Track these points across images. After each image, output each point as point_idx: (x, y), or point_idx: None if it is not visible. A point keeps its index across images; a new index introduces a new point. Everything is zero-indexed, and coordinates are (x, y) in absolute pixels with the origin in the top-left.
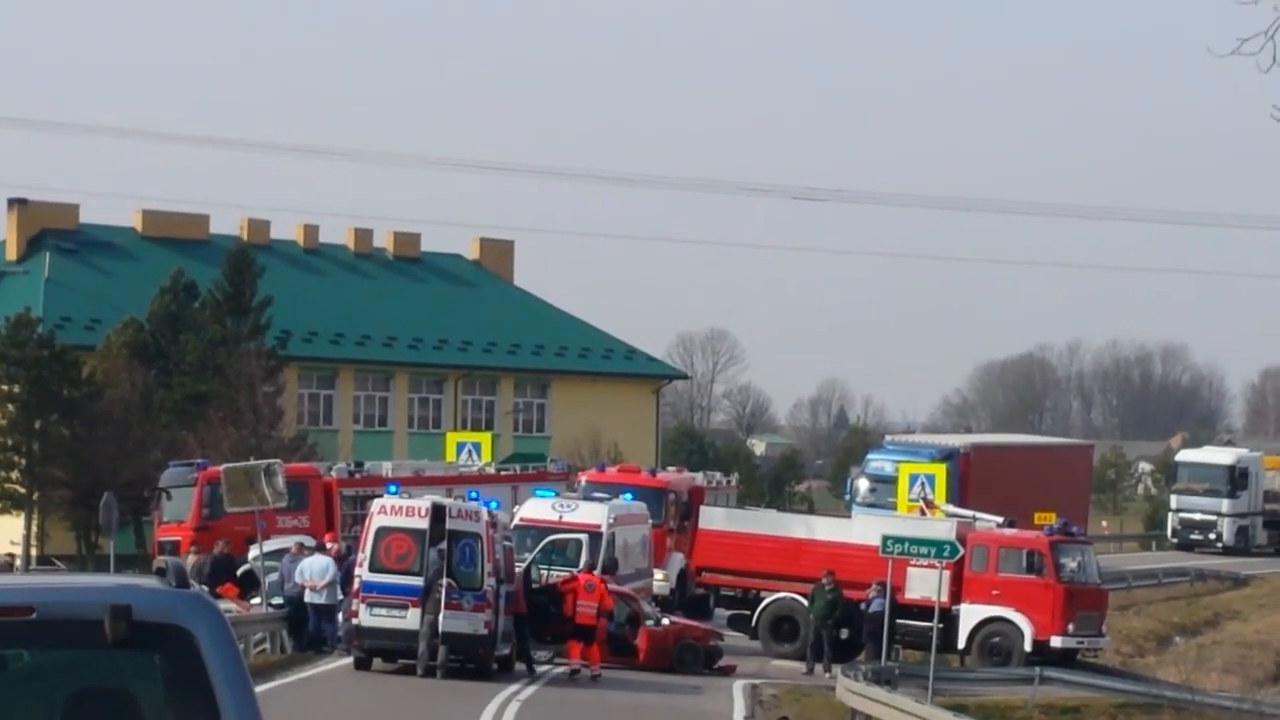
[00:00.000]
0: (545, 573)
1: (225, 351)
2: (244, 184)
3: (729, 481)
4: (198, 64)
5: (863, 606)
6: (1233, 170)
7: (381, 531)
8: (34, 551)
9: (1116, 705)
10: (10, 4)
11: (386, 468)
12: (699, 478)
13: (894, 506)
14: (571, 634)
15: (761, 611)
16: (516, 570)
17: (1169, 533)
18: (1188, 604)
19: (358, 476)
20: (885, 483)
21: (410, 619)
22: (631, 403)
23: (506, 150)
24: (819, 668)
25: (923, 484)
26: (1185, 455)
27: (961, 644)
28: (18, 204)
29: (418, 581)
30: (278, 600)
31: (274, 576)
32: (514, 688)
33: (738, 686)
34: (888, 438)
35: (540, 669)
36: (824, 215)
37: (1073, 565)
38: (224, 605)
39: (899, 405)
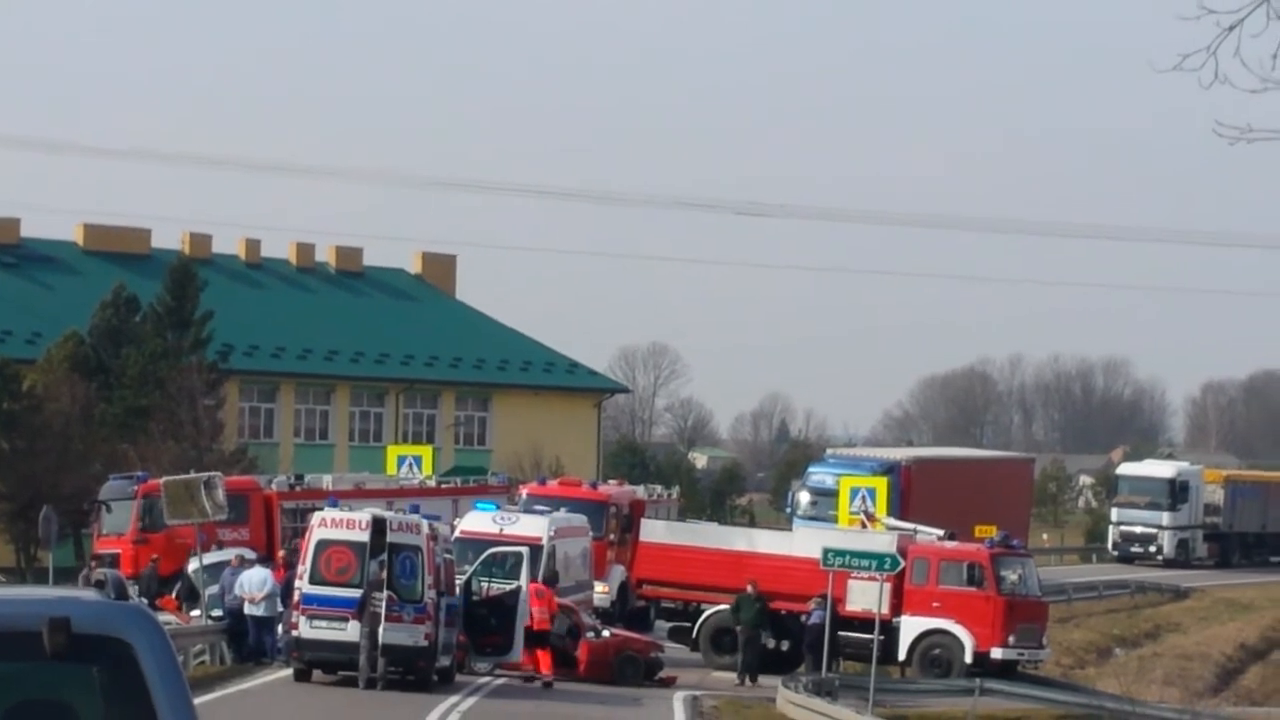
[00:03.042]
0: (486, 585)
1: (166, 365)
2: (186, 198)
3: (670, 494)
4: (139, 79)
5: (803, 619)
6: (1175, 186)
7: (322, 544)
8: None
9: (1057, 717)
10: None
11: (327, 480)
12: (640, 491)
13: (835, 519)
14: (530, 642)
15: (702, 624)
16: (457, 582)
17: (1110, 545)
18: (1128, 616)
19: (298, 489)
20: (826, 496)
21: (350, 631)
22: (573, 416)
23: (449, 165)
24: (746, 678)
25: (864, 497)
26: (1126, 469)
27: (902, 656)
28: None
29: (358, 594)
30: (217, 612)
31: (214, 589)
32: (454, 699)
33: (678, 698)
34: (829, 451)
35: (481, 680)
36: (766, 230)
37: (1013, 578)
38: (163, 617)
39: (840, 418)
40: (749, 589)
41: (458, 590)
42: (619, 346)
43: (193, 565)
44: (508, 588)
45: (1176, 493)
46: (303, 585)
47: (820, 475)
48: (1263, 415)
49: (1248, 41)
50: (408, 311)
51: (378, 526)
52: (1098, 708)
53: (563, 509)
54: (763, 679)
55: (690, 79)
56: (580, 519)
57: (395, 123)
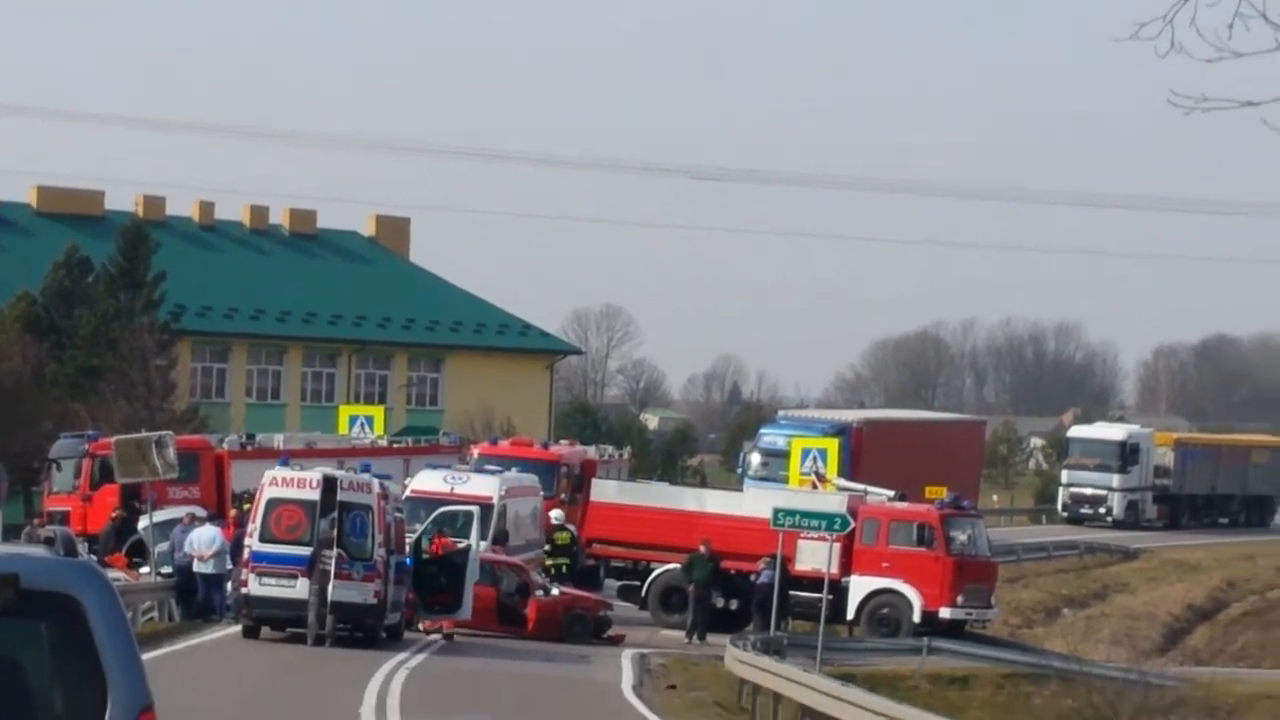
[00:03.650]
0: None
1: (119, 326)
2: (140, 161)
3: (621, 455)
4: (93, 41)
5: (752, 578)
6: (1128, 153)
7: (272, 503)
8: None
9: (1004, 675)
10: None
11: (278, 440)
12: (591, 451)
13: (786, 480)
14: None
15: (651, 583)
16: (407, 541)
17: (1059, 507)
18: (1077, 577)
19: (249, 449)
20: (777, 457)
21: (300, 588)
22: (525, 377)
23: (403, 128)
24: (695, 636)
25: (814, 458)
26: (1077, 431)
27: (851, 615)
28: None
29: (307, 552)
30: (166, 569)
31: (163, 546)
32: (402, 656)
33: (626, 656)
34: (780, 412)
35: (430, 638)
36: (721, 194)
37: (963, 538)
38: (112, 574)
39: (792, 380)
40: (701, 548)
41: (408, 549)
42: (572, 309)
43: (143, 523)
44: (458, 546)
45: (1127, 455)
46: (252, 543)
47: (771, 436)
48: (1214, 378)
49: (1204, 10)
50: (361, 273)
51: (328, 485)
52: (1045, 667)
53: (514, 469)
54: (711, 638)
55: (648, 41)
56: (531, 479)
57: (349, 86)
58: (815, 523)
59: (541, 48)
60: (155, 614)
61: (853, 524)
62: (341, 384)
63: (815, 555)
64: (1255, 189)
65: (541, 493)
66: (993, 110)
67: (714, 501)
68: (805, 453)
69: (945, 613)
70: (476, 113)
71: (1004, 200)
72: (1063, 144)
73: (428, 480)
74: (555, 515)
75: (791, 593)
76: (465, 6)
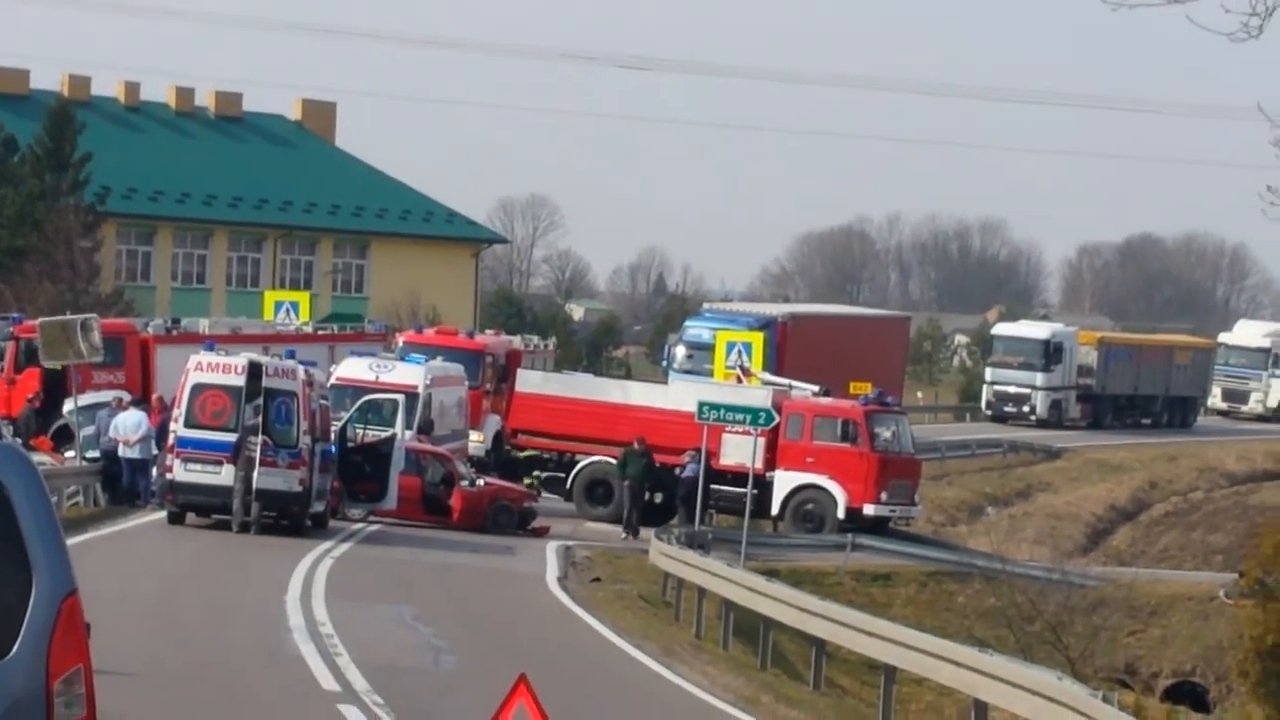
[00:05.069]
0: (361, 432)
1: (44, 206)
2: (66, 40)
3: (547, 345)
4: None
5: (677, 471)
6: (1055, 49)
7: (197, 388)
8: None
9: (927, 573)
10: None
11: (204, 325)
12: (517, 341)
13: (711, 373)
14: None
15: (576, 475)
16: (332, 429)
17: (983, 405)
18: (1000, 475)
19: (175, 333)
20: (702, 350)
21: (225, 475)
22: (451, 266)
23: (331, 12)
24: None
25: (740, 352)
26: (1001, 329)
27: (775, 510)
28: None
29: (233, 438)
30: (92, 454)
31: (89, 430)
32: (327, 544)
33: (551, 548)
34: (706, 305)
35: (355, 526)
36: (648, 84)
37: (887, 435)
38: (37, 458)
39: (718, 273)
40: (636, 444)
41: (333, 436)
42: (498, 197)
43: (68, 406)
44: (383, 435)
45: (1050, 353)
46: (177, 428)
47: (697, 329)
48: (1137, 278)
49: None
50: (287, 158)
51: (254, 371)
52: (968, 565)
53: (439, 358)
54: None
55: None
56: (456, 368)
57: None
58: (740, 417)
59: None
60: (80, 499)
61: (777, 419)
62: (267, 269)
63: (740, 450)
64: (1182, 88)
65: (467, 382)
66: (919, 5)
67: (639, 394)
68: (730, 346)
69: (869, 509)
70: None
71: (931, 95)
72: (992, 40)
73: (353, 368)
74: None
75: (715, 487)
76: None
